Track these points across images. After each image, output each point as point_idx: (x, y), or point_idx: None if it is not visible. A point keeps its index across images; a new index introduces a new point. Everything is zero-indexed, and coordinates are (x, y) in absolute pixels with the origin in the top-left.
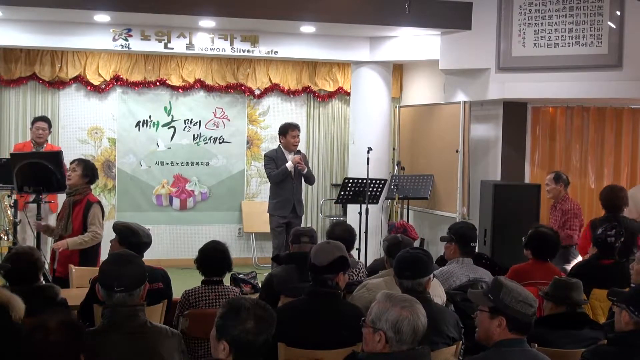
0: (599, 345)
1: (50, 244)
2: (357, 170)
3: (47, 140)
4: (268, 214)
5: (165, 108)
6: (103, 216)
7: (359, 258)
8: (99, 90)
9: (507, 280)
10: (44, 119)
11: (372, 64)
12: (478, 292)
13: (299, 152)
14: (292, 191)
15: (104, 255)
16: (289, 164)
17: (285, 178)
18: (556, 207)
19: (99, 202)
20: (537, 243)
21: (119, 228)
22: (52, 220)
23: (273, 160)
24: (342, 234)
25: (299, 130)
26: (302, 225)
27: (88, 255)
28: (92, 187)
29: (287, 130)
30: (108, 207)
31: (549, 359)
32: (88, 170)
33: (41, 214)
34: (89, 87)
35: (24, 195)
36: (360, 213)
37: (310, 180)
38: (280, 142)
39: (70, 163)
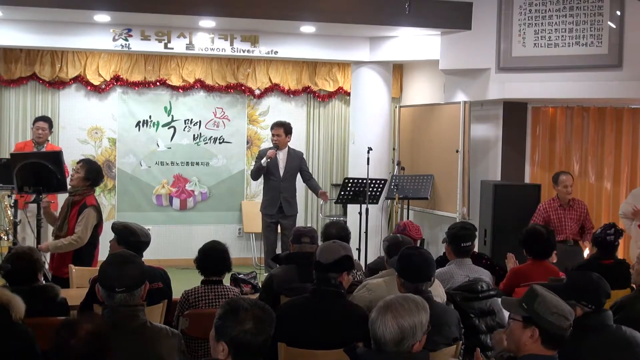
0: None
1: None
2: (357, 170)
3: (47, 140)
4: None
5: (165, 108)
6: (99, 220)
7: (358, 258)
8: (99, 90)
9: (543, 289)
10: (44, 118)
11: (372, 64)
12: (512, 300)
13: (277, 147)
14: (279, 190)
15: (102, 255)
16: (263, 160)
17: (269, 175)
18: (572, 205)
19: (95, 206)
20: (532, 243)
21: (117, 228)
22: None
23: (260, 157)
24: (339, 232)
25: (280, 127)
26: (299, 225)
27: (83, 257)
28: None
29: (271, 129)
30: (108, 207)
31: None
32: (91, 173)
33: (41, 214)
34: (89, 87)
35: (24, 195)
36: (360, 213)
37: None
38: None
39: (77, 163)
